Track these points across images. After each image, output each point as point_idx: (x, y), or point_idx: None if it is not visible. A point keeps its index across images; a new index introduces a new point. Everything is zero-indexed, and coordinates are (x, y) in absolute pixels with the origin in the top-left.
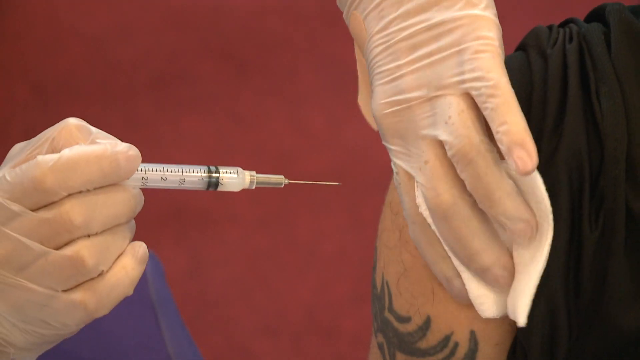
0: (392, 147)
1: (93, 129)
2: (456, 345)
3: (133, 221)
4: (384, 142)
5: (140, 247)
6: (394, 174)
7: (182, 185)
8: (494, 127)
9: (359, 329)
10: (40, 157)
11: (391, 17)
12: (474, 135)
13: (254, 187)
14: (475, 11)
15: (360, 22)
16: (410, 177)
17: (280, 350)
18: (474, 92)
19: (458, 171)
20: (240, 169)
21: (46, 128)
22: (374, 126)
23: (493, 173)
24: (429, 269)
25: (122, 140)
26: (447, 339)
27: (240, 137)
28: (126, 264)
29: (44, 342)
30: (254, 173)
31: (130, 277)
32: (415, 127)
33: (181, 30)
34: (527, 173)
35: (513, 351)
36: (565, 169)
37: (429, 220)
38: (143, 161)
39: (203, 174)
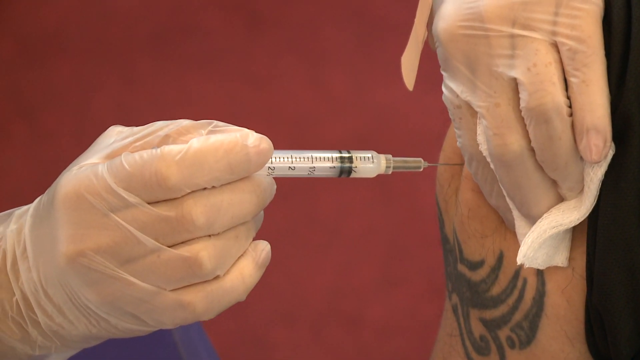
0: (456, 76)
1: (210, 120)
2: (525, 283)
3: (262, 212)
4: (443, 70)
5: (263, 251)
6: (452, 106)
7: (312, 174)
8: (577, 99)
9: (386, 317)
10: (166, 148)
11: None
12: (559, 95)
13: (390, 173)
14: None
15: None
16: (474, 113)
17: (298, 340)
18: (566, 51)
19: (527, 124)
20: (375, 153)
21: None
22: (410, 86)
23: (568, 138)
24: None
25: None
26: (516, 275)
27: (252, 99)
28: (244, 270)
29: (104, 337)
30: (390, 157)
31: (247, 284)
32: (488, 61)
33: None
34: (596, 162)
35: (591, 331)
36: (636, 109)
37: (489, 159)
38: None
39: (335, 162)
